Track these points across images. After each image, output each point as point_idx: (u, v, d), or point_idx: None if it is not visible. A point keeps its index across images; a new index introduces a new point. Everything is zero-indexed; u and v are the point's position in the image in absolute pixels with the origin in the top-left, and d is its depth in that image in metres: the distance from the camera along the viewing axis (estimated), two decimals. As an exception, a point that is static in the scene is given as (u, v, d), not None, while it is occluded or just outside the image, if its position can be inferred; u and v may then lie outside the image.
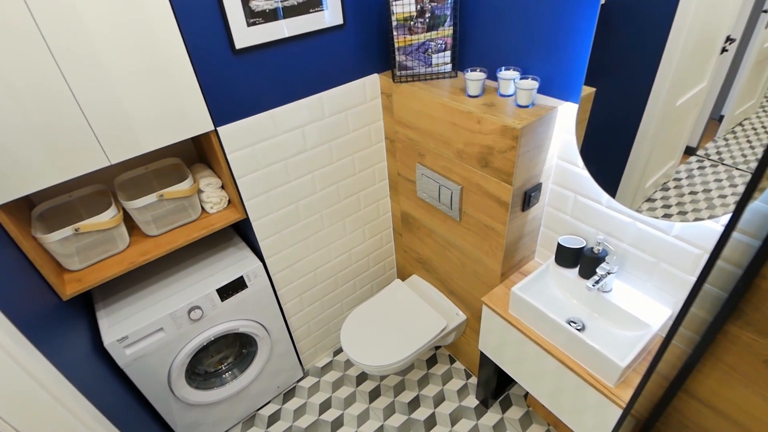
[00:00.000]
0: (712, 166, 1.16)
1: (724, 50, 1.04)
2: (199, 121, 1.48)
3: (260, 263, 1.87)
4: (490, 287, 1.80)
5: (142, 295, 1.76)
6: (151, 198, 1.59)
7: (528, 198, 1.53)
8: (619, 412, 1.33)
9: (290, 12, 1.48)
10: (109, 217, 1.53)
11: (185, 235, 1.69)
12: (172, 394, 1.84)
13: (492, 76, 1.61)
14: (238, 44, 1.42)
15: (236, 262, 1.88)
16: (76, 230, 1.47)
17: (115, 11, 1.21)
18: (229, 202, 1.83)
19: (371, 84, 1.85)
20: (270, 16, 1.45)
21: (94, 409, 1.31)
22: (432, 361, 2.43)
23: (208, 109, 1.48)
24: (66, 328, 1.46)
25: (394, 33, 1.60)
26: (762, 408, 0.96)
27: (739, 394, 0.99)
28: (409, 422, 2.16)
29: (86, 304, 1.76)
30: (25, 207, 1.53)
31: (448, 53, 1.66)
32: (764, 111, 1.04)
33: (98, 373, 1.52)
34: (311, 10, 1.52)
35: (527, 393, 2.21)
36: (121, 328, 1.62)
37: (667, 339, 0.94)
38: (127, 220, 1.75)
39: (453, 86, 1.63)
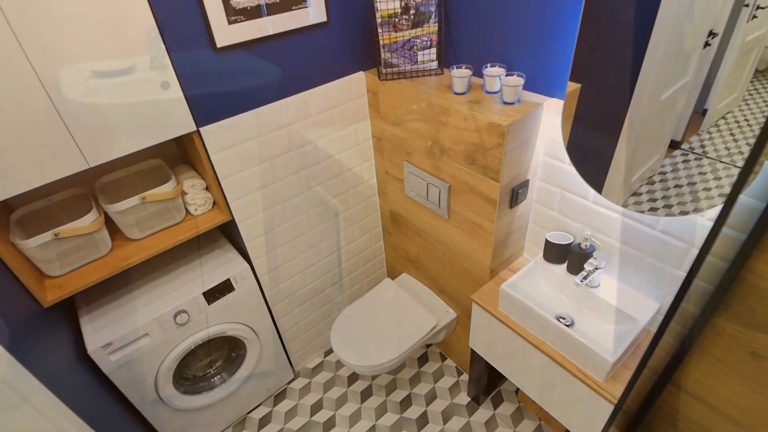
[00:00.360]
0: (696, 159, 1.16)
1: (707, 44, 1.05)
2: (181, 122, 1.45)
3: (247, 265, 1.85)
4: (480, 284, 1.80)
5: (126, 300, 1.72)
6: (133, 201, 1.55)
7: (515, 195, 1.53)
8: (608, 406, 1.34)
9: (273, 9, 1.46)
10: (89, 221, 1.50)
11: (169, 238, 1.66)
12: (160, 399, 1.81)
13: (478, 72, 1.61)
14: (220, 42, 1.39)
15: (222, 265, 1.85)
16: (55, 235, 1.44)
17: (90, 5, 1.17)
18: (214, 203, 1.80)
19: (357, 82, 1.83)
20: (251, 13, 1.42)
21: (78, 418, 1.28)
22: (423, 359, 2.43)
23: (190, 110, 1.45)
24: (47, 335, 1.42)
25: (379, 30, 1.59)
26: (749, 398, 0.97)
27: (726, 386, 1.00)
28: (401, 421, 2.15)
29: (69, 311, 1.72)
30: (2, 212, 1.49)
31: (434, 50, 1.65)
32: (746, 104, 1.05)
33: (82, 381, 1.49)
34: (294, 7, 1.50)
35: (518, 388, 2.22)
36: (105, 334, 1.59)
37: (658, 335, 0.94)
38: (109, 223, 1.71)
39: (439, 83, 1.62)
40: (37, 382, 1.15)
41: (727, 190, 1.13)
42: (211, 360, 2.10)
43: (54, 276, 1.53)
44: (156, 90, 1.35)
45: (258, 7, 1.42)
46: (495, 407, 2.16)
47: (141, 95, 1.34)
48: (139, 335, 1.63)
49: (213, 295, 1.77)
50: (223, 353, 2.12)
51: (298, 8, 1.51)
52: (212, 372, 2.08)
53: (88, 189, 1.70)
